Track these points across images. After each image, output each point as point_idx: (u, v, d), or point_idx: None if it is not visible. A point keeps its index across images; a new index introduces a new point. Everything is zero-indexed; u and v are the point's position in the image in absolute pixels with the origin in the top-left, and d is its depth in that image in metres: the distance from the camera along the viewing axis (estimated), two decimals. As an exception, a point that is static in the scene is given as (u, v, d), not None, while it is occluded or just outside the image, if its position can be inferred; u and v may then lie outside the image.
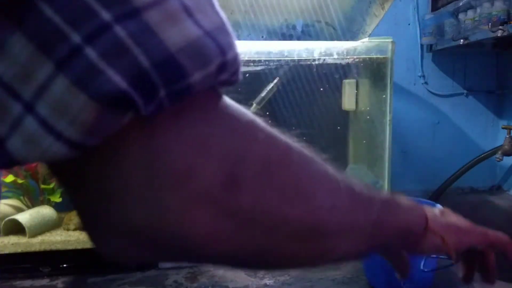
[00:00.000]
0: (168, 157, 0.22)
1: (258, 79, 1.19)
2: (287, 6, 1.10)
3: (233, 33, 0.24)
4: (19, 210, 1.11)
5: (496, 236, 0.53)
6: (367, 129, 1.14)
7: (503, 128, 1.45)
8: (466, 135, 1.63)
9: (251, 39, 1.20)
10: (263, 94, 1.18)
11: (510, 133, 1.40)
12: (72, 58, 0.18)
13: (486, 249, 0.53)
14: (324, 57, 1.03)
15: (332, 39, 1.24)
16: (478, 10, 1.31)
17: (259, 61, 1.11)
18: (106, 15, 0.18)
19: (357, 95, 1.20)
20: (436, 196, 1.55)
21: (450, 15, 1.43)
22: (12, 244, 1.00)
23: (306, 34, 1.27)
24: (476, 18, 1.31)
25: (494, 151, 1.47)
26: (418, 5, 1.56)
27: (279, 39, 0.94)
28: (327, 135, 1.30)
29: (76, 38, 0.18)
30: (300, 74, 1.21)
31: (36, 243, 1.00)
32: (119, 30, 0.19)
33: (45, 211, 1.10)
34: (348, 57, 1.05)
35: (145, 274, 0.94)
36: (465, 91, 1.61)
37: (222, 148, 0.23)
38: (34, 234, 1.04)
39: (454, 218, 0.52)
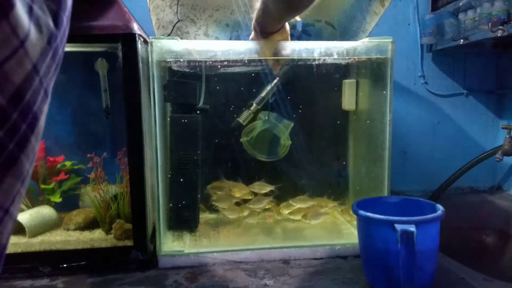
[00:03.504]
0: None
1: (258, 79, 1.19)
2: (287, 6, 1.10)
3: None
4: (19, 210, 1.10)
5: None
6: (367, 129, 1.14)
7: (503, 128, 1.45)
8: (466, 135, 1.63)
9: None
10: (263, 94, 1.18)
11: (510, 133, 1.40)
12: None
13: None
14: (324, 57, 1.03)
15: (332, 38, 1.24)
16: (478, 10, 1.31)
17: (259, 61, 1.11)
18: None
19: (357, 95, 1.19)
20: (436, 196, 1.55)
21: (450, 15, 1.43)
22: (12, 244, 1.00)
23: (306, 33, 1.26)
24: (476, 18, 1.31)
25: (494, 151, 1.47)
26: (418, 5, 1.56)
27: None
28: (327, 135, 1.30)
29: None
30: (300, 74, 1.21)
31: (36, 243, 1.00)
32: None
33: (45, 211, 1.10)
34: (348, 57, 1.05)
35: (145, 274, 0.94)
36: (465, 91, 1.61)
37: None
38: (34, 234, 1.04)
39: None
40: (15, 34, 0.31)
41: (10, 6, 0.30)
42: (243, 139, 1.18)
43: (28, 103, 0.34)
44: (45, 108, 0.37)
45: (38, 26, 0.34)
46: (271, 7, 0.78)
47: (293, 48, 0.99)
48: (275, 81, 1.18)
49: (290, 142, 1.18)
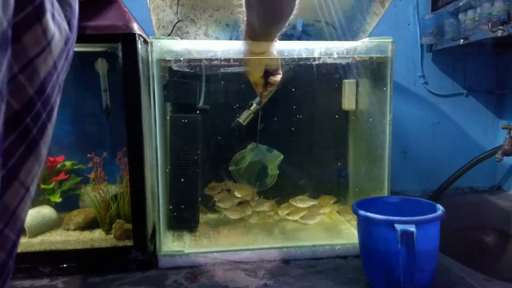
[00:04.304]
0: None
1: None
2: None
3: None
4: (19, 210, 1.10)
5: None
6: (367, 129, 1.14)
7: (503, 128, 1.45)
8: (466, 135, 1.64)
9: (251, 39, 1.20)
10: (263, 94, 1.18)
11: (510, 133, 1.40)
12: None
13: None
14: (324, 57, 1.03)
15: (332, 38, 1.24)
16: (478, 10, 1.31)
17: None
18: None
19: (357, 95, 1.20)
20: (436, 196, 1.55)
21: (450, 15, 1.43)
22: (12, 244, 0.99)
23: (306, 33, 1.26)
24: (476, 18, 1.31)
25: (494, 151, 1.47)
26: (418, 5, 1.56)
27: (279, 39, 0.94)
28: (327, 135, 1.30)
29: None
30: (300, 74, 1.21)
31: (36, 243, 1.00)
32: None
33: (45, 211, 1.10)
34: (348, 57, 1.05)
35: (145, 274, 0.94)
36: (465, 91, 1.61)
37: None
38: (34, 234, 1.04)
39: None
40: (45, 35, 0.37)
41: (43, 12, 0.36)
42: (232, 168, 1.20)
43: (48, 95, 0.39)
44: (58, 101, 0.43)
45: (59, 29, 0.40)
46: (256, 23, 0.82)
47: (293, 48, 0.99)
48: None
49: (278, 172, 1.19)
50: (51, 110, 0.40)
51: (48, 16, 0.37)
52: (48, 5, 0.37)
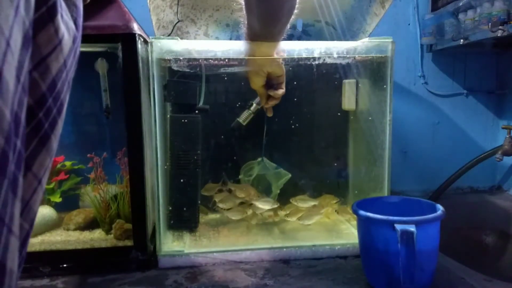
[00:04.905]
0: None
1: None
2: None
3: None
4: (19, 210, 1.10)
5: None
6: (367, 129, 1.14)
7: (503, 128, 1.45)
8: (466, 135, 1.64)
9: (251, 39, 1.20)
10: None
11: (510, 133, 1.40)
12: None
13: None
14: (324, 57, 1.03)
15: (332, 38, 1.24)
16: (478, 10, 1.31)
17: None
18: None
19: (357, 95, 1.19)
20: (436, 196, 1.55)
21: (450, 15, 1.43)
22: (12, 244, 0.99)
23: (306, 33, 1.27)
24: (476, 18, 1.31)
25: (494, 151, 1.47)
26: (418, 5, 1.56)
27: (279, 39, 0.94)
28: (327, 135, 1.30)
29: None
30: (300, 74, 1.21)
31: (36, 243, 1.00)
32: None
33: (45, 211, 1.10)
34: (348, 57, 1.05)
35: (145, 274, 0.94)
36: (465, 91, 1.61)
37: None
38: (34, 234, 1.04)
39: None
40: (56, 34, 0.39)
41: (55, 12, 0.38)
42: (241, 177, 1.20)
43: (59, 91, 0.41)
44: (67, 98, 0.45)
45: (67, 29, 0.41)
46: (256, 26, 0.83)
47: (293, 48, 0.99)
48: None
49: (278, 192, 1.19)
50: (61, 105, 0.42)
51: (59, 16, 0.39)
52: (58, 6, 0.39)
